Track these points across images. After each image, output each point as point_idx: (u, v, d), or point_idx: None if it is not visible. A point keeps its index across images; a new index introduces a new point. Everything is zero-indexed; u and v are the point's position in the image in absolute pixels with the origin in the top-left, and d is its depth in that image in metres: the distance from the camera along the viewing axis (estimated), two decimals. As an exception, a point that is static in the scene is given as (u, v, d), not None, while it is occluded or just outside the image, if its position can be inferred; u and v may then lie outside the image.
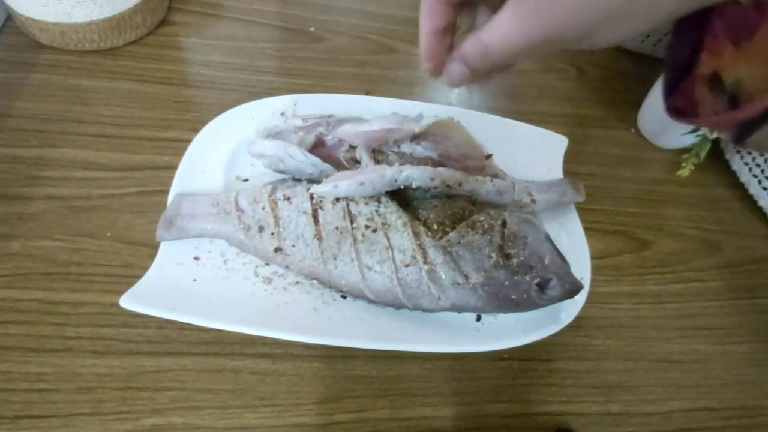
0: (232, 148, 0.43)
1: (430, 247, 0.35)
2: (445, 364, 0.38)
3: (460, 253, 0.35)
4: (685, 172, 0.52)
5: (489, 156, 0.42)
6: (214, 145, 0.42)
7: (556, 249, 0.36)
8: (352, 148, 0.42)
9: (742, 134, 0.23)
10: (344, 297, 0.36)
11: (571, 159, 0.48)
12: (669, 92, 0.28)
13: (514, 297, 0.34)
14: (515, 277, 0.34)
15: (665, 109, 0.28)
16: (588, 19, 0.20)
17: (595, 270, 0.40)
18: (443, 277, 0.34)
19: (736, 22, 0.26)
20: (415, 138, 0.41)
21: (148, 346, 0.35)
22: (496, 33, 0.22)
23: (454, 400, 0.37)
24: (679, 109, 0.28)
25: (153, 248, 0.37)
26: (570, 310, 0.37)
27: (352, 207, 0.37)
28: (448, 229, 0.36)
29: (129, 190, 0.42)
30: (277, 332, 0.33)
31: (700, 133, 0.49)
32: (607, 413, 0.38)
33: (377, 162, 0.39)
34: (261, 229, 0.37)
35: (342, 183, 0.35)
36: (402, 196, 0.38)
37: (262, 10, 0.60)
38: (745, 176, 0.53)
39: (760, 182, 0.51)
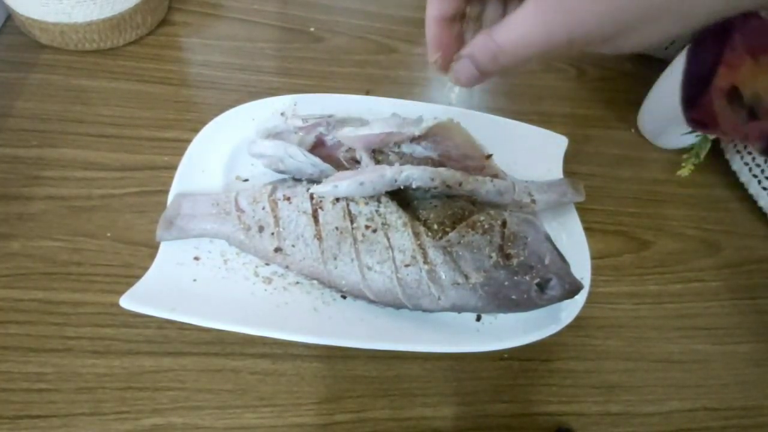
0: (232, 148, 0.43)
1: (430, 247, 0.35)
2: (445, 364, 0.38)
3: (460, 253, 0.35)
4: (685, 172, 0.52)
5: (489, 156, 0.42)
6: (214, 145, 0.42)
7: (556, 249, 0.36)
8: (352, 147, 0.42)
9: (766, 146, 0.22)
10: (344, 297, 0.36)
11: (571, 159, 0.48)
12: (688, 105, 0.28)
13: (514, 297, 0.34)
14: (515, 277, 0.34)
15: (686, 121, 0.28)
16: (616, 21, 0.18)
17: (595, 270, 0.40)
18: (443, 277, 0.34)
19: (755, 36, 0.26)
20: (415, 139, 0.41)
21: (148, 346, 0.35)
22: (513, 33, 0.20)
23: (454, 400, 0.37)
24: (700, 120, 0.27)
25: (153, 248, 0.37)
26: (570, 310, 0.37)
27: (352, 207, 0.37)
28: (448, 229, 0.36)
29: (129, 190, 0.42)
30: (277, 332, 0.33)
31: (699, 133, 0.49)
32: (607, 413, 0.38)
33: (377, 162, 0.39)
34: (261, 229, 0.37)
35: (342, 183, 0.35)
36: (402, 196, 0.38)
37: (262, 10, 0.60)
38: (745, 176, 0.53)
39: (760, 182, 0.51)
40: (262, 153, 0.40)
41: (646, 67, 0.62)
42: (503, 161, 0.42)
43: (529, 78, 0.60)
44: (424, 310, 0.35)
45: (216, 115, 0.43)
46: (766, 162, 0.51)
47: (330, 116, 0.43)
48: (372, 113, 0.43)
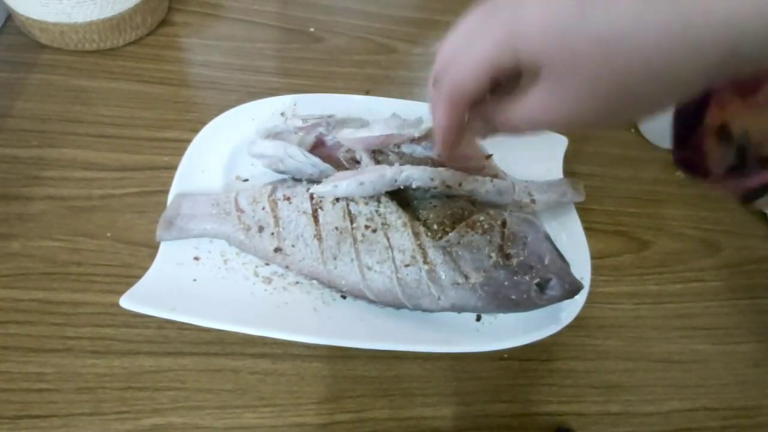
0: (232, 148, 0.43)
1: (430, 247, 0.35)
2: (445, 364, 0.38)
3: (460, 253, 0.35)
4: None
5: (489, 156, 0.42)
6: (214, 145, 0.42)
7: (556, 249, 0.36)
8: (352, 148, 0.42)
9: (747, 198, 0.24)
10: (344, 297, 0.36)
11: (571, 159, 0.48)
12: (677, 145, 0.29)
13: (513, 297, 0.34)
14: (515, 277, 0.34)
15: (673, 161, 0.29)
16: (613, 111, 0.21)
17: (595, 270, 0.40)
18: (443, 277, 0.34)
19: (741, 79, 0.26)
20: (415, 139, 0.41)
21: (148, 346, 0.35)
22: (521, 114, 0.24)
23: (454, 400, 0.37)
24: (688, 161, 0.28)
25: (153, 248, 0.37)
26: (570, 310, 0.37)
27: (352, 207, 0.37)
28: (447, 229, 0.36)
29: (129, 190, 0.42)
30: (277, 332, 0.33)
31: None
32: (607, 413, 0.38)
33: (377, 162, 0.39)
34: (261, 229, 0.37)
35: (342, 183, 0.35)
36: (402, 196, 0.38)
37: (261, 11, 0.60)
38: (744, 176, 0.53)
39: (759, 182, 0.51)
40: (262, 153, 0.40)
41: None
42: (503, 161, 0.42)
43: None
44: (424, 310, 0.35)
45: (216, 115, 0.44)
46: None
47: (330, 116, 0.43)
48: (372, 113, 0.43)
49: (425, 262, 0.34)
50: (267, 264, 0.37)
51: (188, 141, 0.42)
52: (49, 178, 0.41)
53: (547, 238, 0.36)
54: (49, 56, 0.49)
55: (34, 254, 0.37)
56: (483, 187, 0.38)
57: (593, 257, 0.41)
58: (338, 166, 0.40)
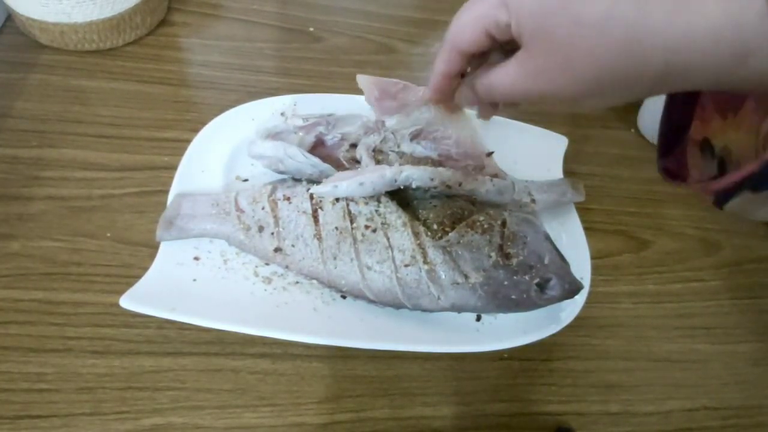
0: (232, 148, 0.43)
1: (430, 247, 0.35)
2: (445, 364, 0.38)
3: (460, 252, 0.35)
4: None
5: (490, 153, 0.42)
6: (214, 145, 0.42)
7: (556, 249, 0.36)
8: (352, 147, 0.42)
9: (719, 201, 0.25)
10: (344, 297, 0.36)
11: (570, 159, 0.48)
12: (662, 154, 0.30)
13: (513, 297, 0.34)
14: (515, 277, 0.34)
15: (658, 169, 0.30)
16: (577, 91, 0.24)
17: (595, 270, 0.40)
18: (443, 276, 0.34)
19: (721, 98, 0.28)
20: (415, 137, 0.41)
21: (148, 346, 0.35)
22: (500, 80, 0.26)
23: (454, 399, 0.37)
24: (671, 170, 0.29)
25: (153, 248, 0.37)
26: (570, 310, 0.37)
27: (352, 207, 0.37)
28: (447, 229, 0.36)
29: (129, 190, 0.42)
30: (277, 332, 0.33)
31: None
32: (607, 413, 0.38)
33: (377, 162, 0.39)
34: (261, 229, 0.37)
35: (342, 183, 0.35)
36: (402, 196, 0.38)
37: (261, 11, 0.60)
38: (744, 176, 0.53)
39: (759, 182, 0.51)
40: (261, 154, 0.40)
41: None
42: (503, 161, 0.42)
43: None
44: (424, 310, 0.35)
45: (216, 115, 0.44)
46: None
47: (330, 115, 0.43)
48: (372, 113, 0.43)
49: (425, 262, 0.35)
50: (267, 264, 0.37)
51: (188, 141, 0.42)
52: (49, 178, 0.41)
53: (547, 237, 0.36)
54: (48, 56, 0.49)
55: (34, 254, 0.37)
56: (483, 186, 0.38)
57: (593, 257, 0.41)
58: (338, 166, 0.40)
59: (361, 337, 0.34)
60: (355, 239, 0.36)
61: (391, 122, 0.40)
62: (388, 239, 0.35)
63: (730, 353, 0.43)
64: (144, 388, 0.34)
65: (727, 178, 0.23)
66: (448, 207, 0.37)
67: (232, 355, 0.36)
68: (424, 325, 0.36)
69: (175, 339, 0.36)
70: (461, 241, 0.35)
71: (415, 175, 0.36)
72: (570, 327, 0.37)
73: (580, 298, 0.38)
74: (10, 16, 0.50)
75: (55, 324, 0.35)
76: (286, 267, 0.37)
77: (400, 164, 0.38)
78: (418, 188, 0.37)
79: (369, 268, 0.35)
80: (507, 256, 0.35)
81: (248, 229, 0.37)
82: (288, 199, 0.38)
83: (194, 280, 0.36)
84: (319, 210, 0.37)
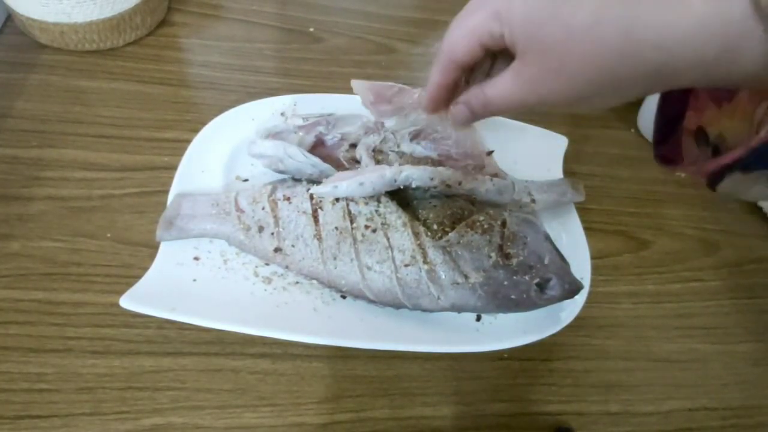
0: (232, 148, 0.43)
1: (430, 247, 0.35)
2: (445, 364, 0.38)
3: (460, 253, 0.35)
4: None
5: (490, 152, 0.42)
6: (214, 145, 0.42)
7: (556, 249, 0.36)
8: (352, 147, 0.42)
9: (712, 183, 0.25)
10: (344, 297, 0.36)
11: (570, 159, 0.48)
12: (658, 142, 0.31)
13: (513, 297, 0.34)
14: (515, 277, 0.34)
15: (654, 157, 0.31)
16: (568, 96, 0.25)
17: (595, 270, 0.40)
18: (443, 277, 0.34)
19: (715, 88, 0.29)
20: (415, 137, 0.41)
21: (148, 346, 0.35)
22: (498, 92, 0.27)
23: (454, 399, 0.37)
24: (666, 157, 0.30)
25: (153, 248, 0.37)
26: (570, 310, 0.37)
27: (352, 207, 0.37)
28: (447, 229, 0.36)
29: (129, 190, 0.42)
30: (277, 332, 0.33)
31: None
32: (607, 413, 0.38)
33: (377, 162, 0.39)
34: (261, 229, 0.37)
35: (342, 184, 0.35)
36: (402, 196, 0.38)
37: (261, 11, 0.60)
38: (744, 176, 0.53)
39: (759, 182, 0.51)
40: (261, 153, 0.40)
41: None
42: (503, 161, 0.42)
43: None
44: (424, 310, 0.35)
45: (216, 115, 0.44)
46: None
47: (330, 115, 0.43)
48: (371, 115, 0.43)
49: (425, 262, 0.35)
50: (267, 264, 0.37)
51: (188, 141, 0.42)
52: (49, 178, 0.41)
53: (547, 238, 0.36)
54: (48, 56, 0.49)
55: (34, 254, 0.37)
56: (483, 186, 0.38)
57: (593, 257, 0.41)
58: (338, 165, 0.40)
59: (361, 337, 0.34)
60: (355, 239, 0.36)
61: (390, 123, 0.41)
62: (388, 239, 0.35)
63: (730, 353, 0.43)
64: (144, 388, 0.34)
65: (718, 160, 0.24)
66: (448, 207, 0.37)
67: (232, 355, 0.36)
68: (424, 325, 0.36)
69: (175, 339, 0.36)
70: (461, 241, 0.35)
71: (414, 175, 0.36)
72: (570, 327, 0.37)
73: (580, 298, 0.38)
74: (10, 16, 0.50)
75: (55, 324, 0.35)
76: (286, 267, 0.37)
77: (400, 164, 0.38)
78: (418, 188, 0.37)
79: (369, 268, 0.35)
80: (507, 256, 0.35)
81: (248, 229, 0.37)
82: (288, 199, 0.38)
83: (194, 280, 0.36)
84: (319, 210, 0.37)
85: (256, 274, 0.37)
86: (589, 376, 0.39)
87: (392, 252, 0.35)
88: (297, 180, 0.40)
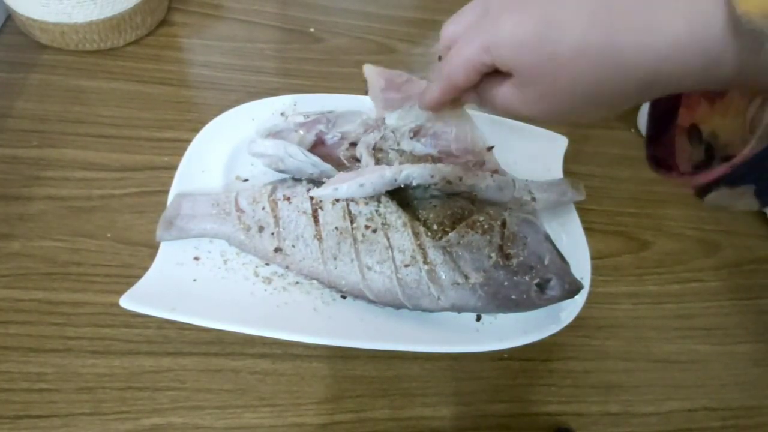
0: (232, 148, 0.43)
1: (430, 247, 0.35)
2: (445, 364, 0.38)
3: (460, 253, 0.35)
4: (684, 172, 0.52)
5: (490, 148, 0.42)
6: (214, 145, 0.42)
7: (556, 249, 0.36)
8: (352, 145, 0.42)
9: (700, 194, 0.26)
10: (344, 297, 0.36)
11: (570, 159, 0.48)
12: (650, 142, 0.31)
13: (513, 297, 0.34)
14: (515, 277, 0.34)
15: (646, 157, 0.31)
16: (566, 113, 0.27)
17: (595, 270, 0.40)
18: (443, 277, 0.34)
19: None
20: (415, 135, 0.41)
21: (148, 346, 0.35)
22: (497, 99, 0.29)
23: (454, 400, 0.37)
24: (659, 158, 0.30)
25: (153, 248, 0.37)
26: (570, 310, 0.37)
27: (352, 207, 0.37)
28: (447, 229, 0.36)
29: (129, 190, 0.42)
30: (277, 332, 0.33)
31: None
32: (607, 413, 0.38)
33: (377, 160, 0.39)
34: (261, 229, 0.37)
35: (342, 186, 0.35)
36: (402, 196, 0.38)
37: (261, 11, 0.60)
38: (744, 176, 0.53)
39: (759, 182, 0.51)
40: (262, 152, 0.40)
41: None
42: (503, 161, 0.42)
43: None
44: (424, 310, 0.35)
45: (216, 115, 0.44)
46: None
47: (330, 112, 0.43)
48: (372, 113, 0.43)
49: (425, 262, 0.35)
50: (267, 264, 0.37)
51: (188, 141, 0.42)
52: (49, 178, 0.41)
53: (547, 238, 0.36)
54: (49, 56, 0.49)
55: (34, 254, 0.37)
56: (483, 182, 0.38)
57: (593, 257, 0.41)
58: (338, 164, 0.40)
59: (361, 337, 0.34)
60: (355, 239, 0.36)
61: (391, 119, 0.40)
62: (388, 239, 0.35)
63: (729, 354, 0.43)
64: (144, 388, 0.34)
65: (704, 175, 0.25)
66: (448, 207, 0.37)
67: (232, 355, 0.36)
68: (424, 325, 0.36)
69: (175, 339, 0.36)
70: (461, 242, 0.35)
71: (415, 173, 0.36)
72: (570, 327, 0.37)
73: (580, 299, 0.38)
74: (10, 16, 0.50)
75: (55, 324, 0.35)
76: (286, 267, 0.37)
77: (400, 162, 0.37)
78: (418, 187, 0.37)
79: (369, 268, 0.35)
80: (507, 257, 0.35)
81: (248, 229, 0.37)
82: (288, 199, 0.38)
83: (194, 280, 0.36)
84: (319, 210, 0.37)
85: (256, 274, 0.37)
86: (588, 377, 0.40)
87: (392, 252, 0.35)
88: (297, 180, 0.40)
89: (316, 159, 0.39)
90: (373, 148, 0.41)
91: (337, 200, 0.37)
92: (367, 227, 0.36)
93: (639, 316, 0.43)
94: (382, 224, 0.36)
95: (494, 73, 0.28)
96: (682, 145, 0.30)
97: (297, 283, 0.37)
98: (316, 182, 0.38)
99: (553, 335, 0.36)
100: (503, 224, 0.36)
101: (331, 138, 0.43)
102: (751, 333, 0.44)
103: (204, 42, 0.55)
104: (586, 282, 0.39)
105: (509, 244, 0.35)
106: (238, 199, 0.38)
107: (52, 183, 0.41)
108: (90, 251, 0.38)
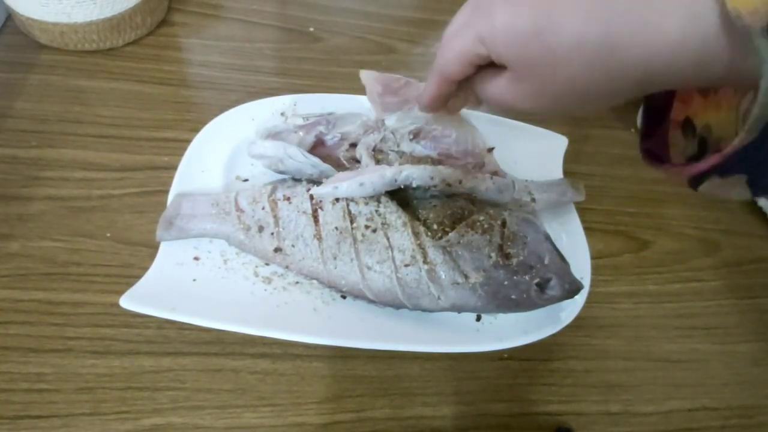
0: (232, 148, 0.43)
1: (430, 247, 0.35)
2: (445, 364, 0.38)
3: (460, 252, 0.35)
4: (684, 172, 0.52)
5: (491, 149, 0.42)
6: (214, 145, 0.42)
7: (556, 249, 0.36)
8: (352, 146, 0.42)
9: (692, 184, 0.26)
10: (344, 297, 0.36)
11: (570, 159, 0.48)
12: (645, 136, 0.31)
13: (513, 297, 0.34)
14: (515, 277, 0.34)
15: (640, 150, 0.31)
16: (563, 107, 0.27)
17: (595, 270, 0.40)
18: (443, 276, 0.34)
19: None
20: (415, 136, 0.41)
21: (148, 346, 0.35)
22: (495, 91, 0.28)
23: (454, 399, 0.37)
24: (652, 151, 0.31)
25: (153, 248, 0.37)
26: (570, 310, 0.37)
27: (352, 207, 0.37)
28: (447, 229, 0.36)
29: (129, 190, 0.42)
30: (277, 332, 0.33)
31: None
32: (607, 413, 0.38)
33: (377, 161, 0.39)
34: (261, 229, 0.37)
35: (342, 184, 0.35)
36: (402, 196, 0.38)
37: (261, 11, 0.60)
38: (744, 176, 0.53)
39: (759, 182, 0.51)
40: (261, 154, 0.40)
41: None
42: (503, 161, 0.42)
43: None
44: (424, 310, 0.35)
45: (216, 115, 0.43)
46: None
47: (330, 114, 0.43)
48: (371, 113, 0.43)
49: (425, 261, 0.35)
50: (267, 264, 0.37)
51: (188, 141, 0.42)
52: (48, 178, 0.41)
53: (547, 238, 0.36)
54: (48, 56, 0.49)
55: (33, 254, 0.37)
56: (483, 184, 0.38)
57: (593, 257, 0.41)
58: (338, 165, 0.40)
59: (361, 337, 0.34)
60: (355, 239, 0.36)
61: (391, 121, 0.41)
62: (388, 239, 0.35)
63: (730, 353, 0.43)
64: (144, 388, 0.34)
65: (696, 166, 0.25)
66: (448, 207, 0.37)
67: (232, 355, 0.36)
68: (424, 325, 0.36)
69: (175, 339, 0.36)
70: (461, 241, 0.35)
71: (415, 174, 0.36)
72: (570, 327, 0.37)
73: (580, 298, 0.38)
74: (10, 16, 0.50)
75: (55, 324, 0.35)
76: (286, 267, 0.37)
77: (400, 163, 0.37)
78: (418, 188, 0.37)
79: (369, 268, 0.35)
80: (507, 256, 0.35)
81: (248, 229, 0.37)
82: (288, 199, 0.38)
83: (194, 280, 0.36)
84: (319, 210, 0.37)
85: (256, 274, 0.37)
86: (589, 376, 0.39)
87: (392, 252, 0.35)
88: (297, 180, 0.40)
89: (315, 160, 0.39)
90: (373, 150, 0.41)
91: (337, 200, 0.37)
92: (367, 227, 0.36)
93: (639, 315, 0.43)
94: (382, 224, 0.36)
95: (488, 67, 0.28)
96: (675, 139, 0.30)
97: (297, 283, 0.37)
98: (316, 183, 0.38)
99: (553, 335, 0.36)
100: (503, 224, 0.36)
101: (331, 139, 0.43)
102: (751, 332, 0.44)
103: (204, 42, 0.55)
104: (586, 282, 0.39)
105: (509, 243, 0.35)
106: (237, 199, 0.38)
107: (52, 183, 0.41)
108: (90, 251, 0.38)
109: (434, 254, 0.35)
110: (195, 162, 0.41)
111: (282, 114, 0.45)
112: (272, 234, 0.37)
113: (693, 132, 0.29)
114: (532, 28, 0.23)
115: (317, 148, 0.42)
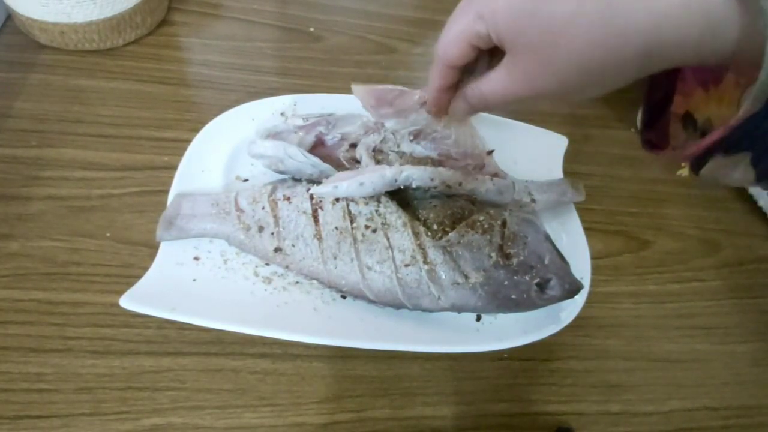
0: (232, 148, 0.43)
1: (430, 247, 0.35)
2: (445, 364, 0.38)
3: (460, 252, 0.35)
4: (685, 171, 0.52)
5: (491, 152, 0.42)
6: (214, 145, 0.42)
7: (556, 249, 0.36)
8: (352, 147, 0.42)
9: (695, 167, 0.26)
10: (344, 297, 0.36)
11: (570, 159, 0.48)
12: (646, 128, 0.31)
13: (513, 297, 0.34)
14: (515, 277, 0.34)
15: (641, 141, 0.31)
16: (566, 86, 0.25)
17: (595, 270, 0.40)
18: (443, 277, 0.34)
19: (702, 71, 0.29)
20: (415, 137, 0.41)
21: (148, 346, 0.35)
22: (492, 86, 0.28)
23: (454, 399, 0.37)
24: (654, 142, 0.30)
25: (153, 248, 0.37)
26: (570, 310, 0.37)
27: (352, 207, 0.37)
28: (447, 229, 0.36)
29: (128, 190, 0.42)
30: (277, 332, 0.33)
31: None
32: (607, 412, 0.38)
33: (377, 162, 0.39)
34: (261, 229, 0.37)
35: (342, 184, 0.35)
36: (402, 196, 0.38)
37: (261, 10, 0.60)
38: (744, 176, 0.53)
39: (759, 182, 0.51)
40: (261, 154, 0.40)
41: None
42: (503, 161, 0.42)
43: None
44: (424, 310, 0.35)
45: (216, 115, 0.43)
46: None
47: (330, 115, 0.43)
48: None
49: (425, 262, 0.34)
50: (267, 264, 0.37)
51: (188, 141, 0.42)
52: (48, 178, 0.41)
53: (547, 238, 0.36)
54: (48, 56, 0.49)
55: (33, 254, 0.37)
56: (483, 186, 0.38)
57: (593, 257, 0.41)
58: (338, 165, 0.40)
59: (361, 337, 0.34)
60: (355, 239, 0.36)
61: (390, 123, 0.41)
62: (388, 239, 0.35)
63: (730, 353, 0.43)
64: (144, 388, 0.34)
65: (700, 143, 0.24)
66: (448, 207, 0.37)
67: (232, 355, 0.36)
68: (424, 325, 0.36)
69: (175, 339, 0.36)
70: (461, 241, 0.35)
71: (415, 175, 0.36)
72: (570, 327, 0.37)
73: (580, 298, 0.37)
74: (10, 16, 0.50)
75: (55, 324, 0.35)
76: (286, 267, 0.37)
77: (400, 164, 0.37)
78: (418, 188, 0.37)
79: (369, 268, 0.35)
80: (507, 256, 0.35)
81: (248, 229, 0.37)
82: (288, 199, 0.38)
83: (194, 280, 0.36)
84: (319, 210, 0.37)
85: (256, 274, 0.37)
86: (589, 376, 0.39)
87: (392, 252, 0.35)
88: (297, 180, 0.40)
89: (315, 160, 0.39)
90: (373, 150, 0.41)
91: (337, 200, 0.37)
92: (367, 227, 0.36)
93: (639, 315, 0.43)
94: (382, 224, 0.36)
95: (483, 69, 0.28)
96: (676, 131, 0.30)
97: (297, 282, 0.37)
98: (316, 183, 0.38)
99: (553, 335, 0.36)
100: (503, 224, 0.36)
101: (331, 139, 0.43)
102: (751, 332, 0.44)
103: (204, 41, 0.55)
104: (586, 282, 0.39)
105: (509, 243, 0.35)
106: (237, 199, 0.38)
107: (52, 183, 0.41)
108: (90, 251, 0.38)
109: (434, 254, 0.35)
110: (195, 162, 0.41)
111: (282, 114, 0.45)
112: (272, 234, 0.37)
113: (694, 126, 0.29)
114: (531, 3, 0.23)
115: (317, 148, 0.42)
